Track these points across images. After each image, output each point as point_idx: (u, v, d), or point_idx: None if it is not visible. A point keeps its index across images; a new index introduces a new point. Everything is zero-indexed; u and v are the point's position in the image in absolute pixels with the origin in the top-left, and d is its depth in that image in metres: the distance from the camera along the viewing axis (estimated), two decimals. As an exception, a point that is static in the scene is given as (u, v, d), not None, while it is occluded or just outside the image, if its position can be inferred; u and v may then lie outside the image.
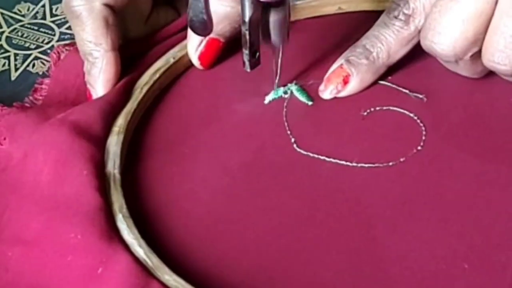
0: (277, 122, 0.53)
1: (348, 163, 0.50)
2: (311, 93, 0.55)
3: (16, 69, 0.62)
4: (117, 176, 0.48)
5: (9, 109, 0.54)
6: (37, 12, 0.69)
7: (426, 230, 0.45)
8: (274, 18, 0.51)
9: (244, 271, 0.43)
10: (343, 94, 0.54)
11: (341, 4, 0.62)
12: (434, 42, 0.50)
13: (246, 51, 0.52)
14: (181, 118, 0.54)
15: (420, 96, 0.54)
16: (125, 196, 0.47)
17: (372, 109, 0.53)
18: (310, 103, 0.54)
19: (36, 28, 0.67)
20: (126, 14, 0.57)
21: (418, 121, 0.52)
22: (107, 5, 0.54)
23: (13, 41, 0.66)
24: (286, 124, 0.53)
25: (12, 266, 0.44)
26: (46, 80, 0.59)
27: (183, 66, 0.58)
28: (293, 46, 0.55)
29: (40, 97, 0.58)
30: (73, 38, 0.57)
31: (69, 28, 0.66)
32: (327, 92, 0.54)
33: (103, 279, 0.41)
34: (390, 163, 0.49)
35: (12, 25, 0.68)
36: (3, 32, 0.67)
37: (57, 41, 0.65)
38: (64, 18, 0.67)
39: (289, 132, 0.52)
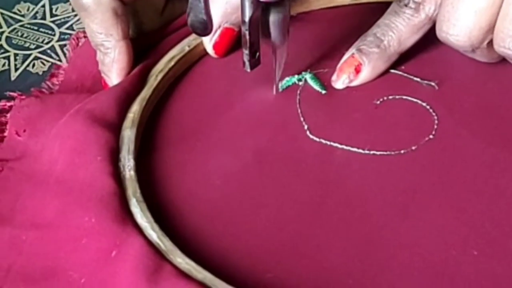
0: (290, 110, 0.53)
1: (360, 151, 0.50)
2: (325, 82, 0.55)
3: (16, 69, 0.62)
4: (132, 161, 0.48)
5: (27, 99, 0.54)
6: (37, 12, 0.68)
7: (437, 218, 0.45)
8: (274, 17, 0.51)
9: (255, 255, 0.44)
10: (355, 83, 0.54)
11: (355, -5, 0.62)
12: (450, 34, 0.50)
13: (246, 51, 0.52)
14: (195, 105, 0.55)
15: (432, 83, 0.54)
16: (139, 181, 0.47)
17: (385, 98, 0.54)
18: (323, 91, 0.54)
19: (36, 28, 0.67)
20: (140, 7, 0.57)
21: (431, 110, 0.52)
22: None
23: (13, 41, 0.65)
24: (299, 111, 0.53)
25: (26, 249, 0.44)
26: (64, 65, 0.60)
27: (198, 55, 0.58)
28: (308, 35, 0.55)
29: (57, 83, 0.59)
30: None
31: (69, 28, 0.66)
32: (339, 82, 0.55)
33: (117, 261, 0.42)
34: (402, 151, 0.50)
35: (12, 25, 0.67)
36: (3, 32, 0.66)
37: (57, 41, 0.65)
38: (64, 18, 0.67)
39: (302, 119, 0.52)
